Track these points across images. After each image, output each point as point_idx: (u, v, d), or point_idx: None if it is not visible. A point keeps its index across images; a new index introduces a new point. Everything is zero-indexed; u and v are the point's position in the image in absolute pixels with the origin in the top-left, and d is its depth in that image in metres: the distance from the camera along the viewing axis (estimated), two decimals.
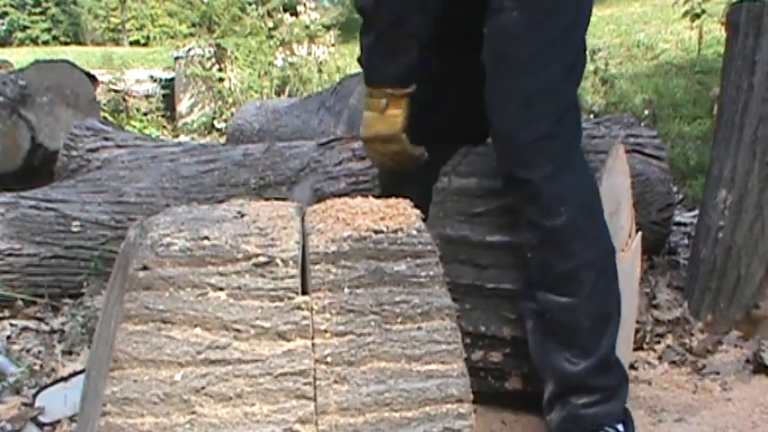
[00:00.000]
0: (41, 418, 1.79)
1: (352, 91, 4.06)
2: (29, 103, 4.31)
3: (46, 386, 1.88)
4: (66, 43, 17.95)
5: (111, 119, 6.25)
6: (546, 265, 1.52)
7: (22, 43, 18.48)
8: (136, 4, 17.86)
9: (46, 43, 18.44)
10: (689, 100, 5.87)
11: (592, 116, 4.51)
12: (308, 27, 7.84)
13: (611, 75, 6.25)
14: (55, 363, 2.16)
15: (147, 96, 7.39)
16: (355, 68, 5.03)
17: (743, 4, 2.25)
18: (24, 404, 1.86)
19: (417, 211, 0.96)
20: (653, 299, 2.37)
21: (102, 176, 3.11)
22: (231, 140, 4.61)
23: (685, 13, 7.14)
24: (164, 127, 7.24)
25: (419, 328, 0.89)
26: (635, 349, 2.06)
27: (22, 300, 2.56)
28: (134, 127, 6.66)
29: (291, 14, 8.03)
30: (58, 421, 1.79)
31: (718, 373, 1.99)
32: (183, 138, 6.56)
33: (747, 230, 2.19)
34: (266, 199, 2.62)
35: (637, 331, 2.09)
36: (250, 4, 8.14)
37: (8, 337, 2.37)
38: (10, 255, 2.59)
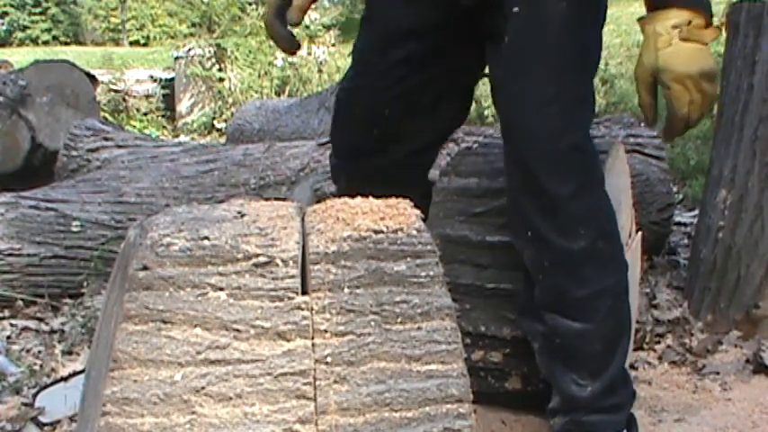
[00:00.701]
0: (41, 418, 1.79)
1: None
2: (29, 103, 4.31)
3: (46, 386, 1.88)
4: (66, 43, 17.96)
5: (111, 119, 6.25)
6: (559, 289, 1.39)
7: (22, 43, 18.49)
8: (136, 4, 17.86)
9: (46, 43, 18.45)
10: None
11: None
12: (307, 27, 7.85)
13: (611, 75, 6.25)
14: (55, 363, 2.16)
15: (147, 96, 7.40)
16: None
17: (743, 4, 2.25)
18: (24, 404, 1.86)
19: (417, 212, 0.96)
20: (653, 299, 2.37)
21: (102, 176, 3.11)
22: (231, 140, 4.61)
23: None
24: (164, 127, 7.25)
25: (419, 328, 0.89)
26: (635, 349, 2.06)
27: (22, 300, 2.56)
28: (134, 127, 6.67)
29: None
30: (58, 421, 1.79)
31: (718, 373, 1.99)
32: (183, 138, 6.57)
33: (747, 230, 2.19)
34: (266, 199, 2.62)
35: (637, 331, 2.09)
36: (250, 4, 8.15)
37: (8, 337, 2.37)
38: (10, 255, 2.59)
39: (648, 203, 2.70)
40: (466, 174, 1.71)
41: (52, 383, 1.89)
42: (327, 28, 8.21)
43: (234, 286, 0.87)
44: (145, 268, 0.87)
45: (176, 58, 7.56)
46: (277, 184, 2.78)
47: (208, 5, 7.81)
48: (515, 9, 1.36)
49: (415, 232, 0.93)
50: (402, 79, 1.49)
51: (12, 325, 2.44)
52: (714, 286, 2.24)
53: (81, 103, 4.51)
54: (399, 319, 0.89)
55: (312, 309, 0.87)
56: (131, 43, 17.40)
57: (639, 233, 1.95)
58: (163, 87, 7.50)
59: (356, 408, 0.85)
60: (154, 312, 0.85)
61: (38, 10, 19.90)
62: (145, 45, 16.11)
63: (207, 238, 0.89)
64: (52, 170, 3.64)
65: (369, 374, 0.86)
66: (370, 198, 0.96)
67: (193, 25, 8.50)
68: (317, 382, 0.84)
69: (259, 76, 7.43)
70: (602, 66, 6.26)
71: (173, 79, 7.54)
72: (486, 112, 5.92)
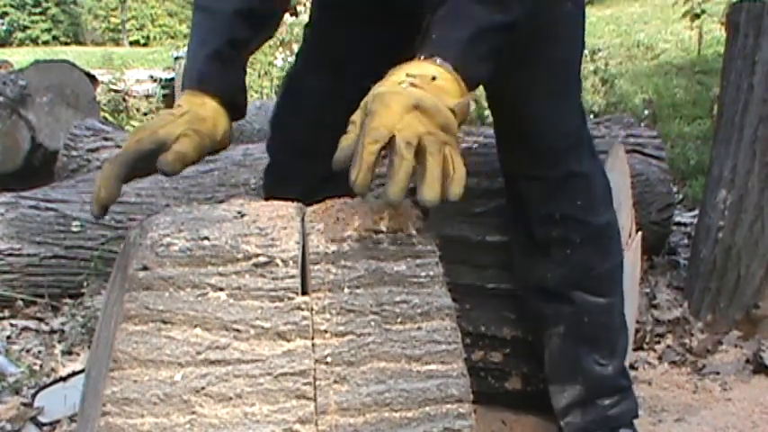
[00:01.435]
0: (41, 418, 1.79)
1: None
2: (29, 103, 4.31)
3: (45, 386, 1.88)
4: (66, 43, 17.97)
5: (111, 119, 6.25)
6: (587, 265, 1.47)
7: (22, 43, 18.50)
8: (136, 4, 17.88)
9: (46, 43, 18.46)
10: (689, 100, 5.88)
11: (592, 116, 4.51)
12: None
13: (611, 75, 6.26)
14: (55, 363, 2.16)
15: (147, 96, 7.39)
16: None
17: (743, 4, 2.25)
18: (24, 404, 1.86)
19: (417, 212, 0.96)
20: (653, 299, 2.37)
21: None
22: (231, 140, 4.60)
23: (685, 13, 7.15)
24: None
25: (419, 328, 0.89)
26: (635, 349, 2.06)
27: (22, 300, 2.56)
28: (134, 127, 6.66)
29: (291, 14, 8.03)
30: (58, 421, 1.79)
31: (718, 373, 2.00)
32: None
33: (747, 230, 2.19)
34: (266, 199, 2.62)
35: (637, 331, 2.09)
36: None
37: (8, 337, 2.37)
38: (10, 255, 2.59)
39: (648, 203, 2.70)
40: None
41: (52, 383, 1.89)
42: None
43: (234, 286, 0.87)
44: (145, 268, 0.87)
45: (176, 58, 7.53)
46: None
47: None
48: None
49: (414, 232, 0.93)
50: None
51: (12, 325, 2.44)
52: (714, 286, 2.24)
53: (81, 103, 4.51)
54: (399, 319, 0.89)
55: (312, 309, 0.87)
56: (131, 43, 17.40)
57: (639, 233, 1.95)
58: (163, 87, 7.48)
59: (356, 408, 0.85)
60: (154, 312, 0.85)
61: (38, 10, 19.90)
62: (145, 45, 16.12)
63: (207, 238, 0.89)
64: (52, 170, 3.64)
65: (369, 374, 0.86)
66: (370, 198, 0.96)
67: None
68: (317, 382, 0.84)
69: (259, 76, 7.42)
70: (602, 66, 6.27)
71: (173, 79, 7.52)
72: (486, 113, 5.92)
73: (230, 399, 0.83)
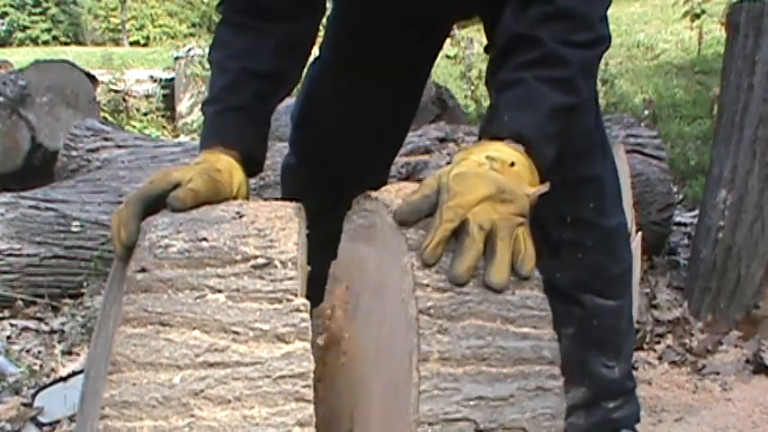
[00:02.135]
0: (41, 419, 1.79)
1: None
2: (29, 103, 4.31)
3: (45, 386, 1.88)
4: (66, 43, 17.96)
5: (111, 119, 6.25)
6: (598, 268, 1.47)
7: (22, 43, 18.49)
8: (136, 4, 17.87)
9: (46, 43, 18.45)
10: (689, 100, 5.89)
11: None
12: None
13: (611, 75, 6.25)
14: (55, 363, 2.16)
15: (147, 96, 7.39)
16: None
17: (743, 4, 2.25)
18: (24, 404, 1.86)
19: None
20: (653, 299, 2.37)
21: (102, 176, 3.11)
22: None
23: (685, 14, 7.15)
24: (164, 127, 7.24)
25: (513, 294, 0.90)
26: (635, 349, 2.05)
27: (22, 300, 2.56)
28: (134, 127, 6.66)
29: None
30: (58, 421, 1.79)
31: (718, 373, 1.99)
32: (182, 138, 6.56)
33: (747, 230, 2.19)
34: (266, 199, 2.62)
35: (637, 331, 2.09)
36: None
37: (8, 337, 2.37)
38: (10, 255, 2.59)
39: (648, 203, 2.70)
40: None
41: (52, 383, 1.89)
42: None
43: (232, 288, 0.87)
44: (143, 270, 0.87)
45: (176, 58, 7.54)
46: (277, 184, 2.77)
47: (208, 5, 7.81)
48: None
49: None
50: None
51: (12, 325, 2.44)
52: (714, 286, 2.24)
53: (81, 103, 4.51)
54: None
55: (413, 265, 0.87)
56: (131, 43, 17.38)
57: (639, 233, 1.95)
58: (163, 87, 7.48)
59: (456, 359, 0.85)
60: (152, 315, 0.85)
61: (38, 10, 19.90)
62: (145, 45, 16.10)
63: (205, 239, 0.89)
64: (52, 170, 3.64)
65: (468, 329, 0.87)
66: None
67: (193, 25, 8.50)
68: (421, 331, 0.84)
69: None
70: (602, 66, 6.27)
71: (173, 79, 7.52)
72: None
73: (229, 401, 0.82)
